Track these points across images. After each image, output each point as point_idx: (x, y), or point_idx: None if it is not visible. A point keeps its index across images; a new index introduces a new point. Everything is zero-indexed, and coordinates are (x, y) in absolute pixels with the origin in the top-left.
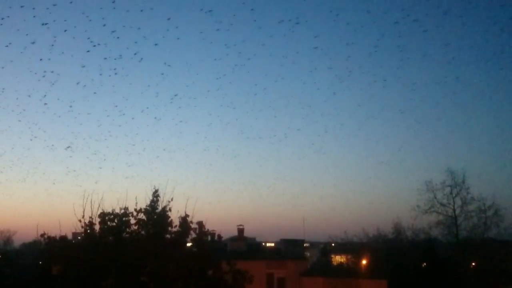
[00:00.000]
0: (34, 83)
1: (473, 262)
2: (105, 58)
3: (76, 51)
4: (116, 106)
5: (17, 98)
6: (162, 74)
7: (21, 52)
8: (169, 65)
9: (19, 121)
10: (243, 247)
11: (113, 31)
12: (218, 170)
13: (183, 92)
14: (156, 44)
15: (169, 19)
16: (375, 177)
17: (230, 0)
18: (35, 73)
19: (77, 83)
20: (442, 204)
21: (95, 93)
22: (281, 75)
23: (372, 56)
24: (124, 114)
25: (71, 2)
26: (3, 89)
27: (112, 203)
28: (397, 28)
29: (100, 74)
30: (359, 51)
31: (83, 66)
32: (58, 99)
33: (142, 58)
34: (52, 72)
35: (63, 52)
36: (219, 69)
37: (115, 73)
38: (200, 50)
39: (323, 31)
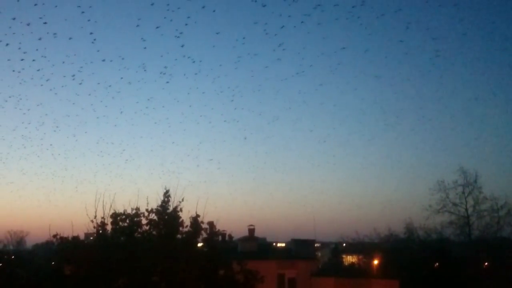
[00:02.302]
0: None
1: (485, 262)
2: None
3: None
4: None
5: (20, 99)
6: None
7: None
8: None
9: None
10: (254, 247)
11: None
12: (229, 171)
13: (195, 93)
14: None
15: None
16: (386, 177)
17: None
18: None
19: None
20: (454, 204)
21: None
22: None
23: (383, 59)
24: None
25: None
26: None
27: (124, 204)
28: (402, 30)
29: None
30: (371, 55)
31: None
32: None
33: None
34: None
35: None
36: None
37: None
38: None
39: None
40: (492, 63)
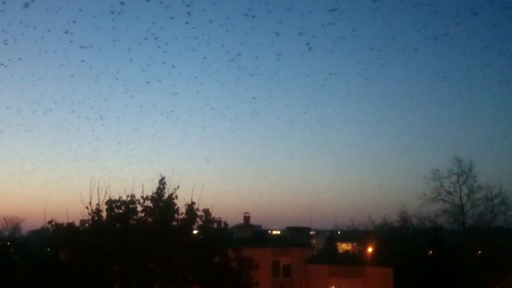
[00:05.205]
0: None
1: (479, 250)
2: None
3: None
4: (125, 92)
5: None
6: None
7: None
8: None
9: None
10: (249, 234)
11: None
12: (224, 158)
13: (188, 79)
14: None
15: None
16: (381, 165)
17: None
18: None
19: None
20: (448, 192)
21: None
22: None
23: (374, 47)
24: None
25: None
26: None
27: (119, 191)
28: (400, 22)
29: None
30: (364, 42)
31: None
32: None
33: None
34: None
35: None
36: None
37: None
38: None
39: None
40: (488, 54)
